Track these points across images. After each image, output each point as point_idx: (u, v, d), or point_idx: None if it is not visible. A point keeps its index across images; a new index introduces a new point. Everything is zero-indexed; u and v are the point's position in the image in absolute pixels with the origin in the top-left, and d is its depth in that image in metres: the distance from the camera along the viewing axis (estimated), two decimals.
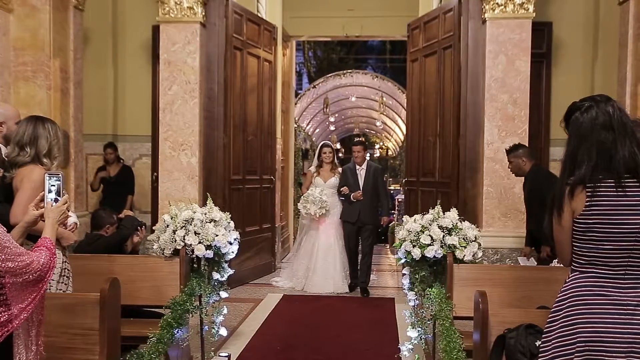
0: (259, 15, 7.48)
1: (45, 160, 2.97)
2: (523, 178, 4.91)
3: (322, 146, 6.94)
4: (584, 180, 1.96)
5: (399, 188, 19.15)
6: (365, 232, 6.50)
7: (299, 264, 6.79)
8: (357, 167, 6.55)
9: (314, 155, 7.33)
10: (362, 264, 6.53)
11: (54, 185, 2.27)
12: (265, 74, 7.17)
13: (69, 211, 2.34)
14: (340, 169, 6.83)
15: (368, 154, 25.67)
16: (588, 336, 1.92)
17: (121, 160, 6.86)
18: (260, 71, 7.02)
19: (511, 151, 4.88)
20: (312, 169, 6.96)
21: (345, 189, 6.44)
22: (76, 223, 3.26)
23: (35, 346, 2.10)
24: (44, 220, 2.26)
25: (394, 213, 16.41)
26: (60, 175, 2.30)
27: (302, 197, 6.73)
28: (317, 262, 6.56)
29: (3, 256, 1.88)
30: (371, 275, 6.76)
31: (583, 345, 1.91)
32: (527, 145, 5.18)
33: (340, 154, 25.29)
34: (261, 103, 7.09)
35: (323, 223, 6.64)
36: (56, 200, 2.26)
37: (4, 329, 1.94)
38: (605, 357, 1.90)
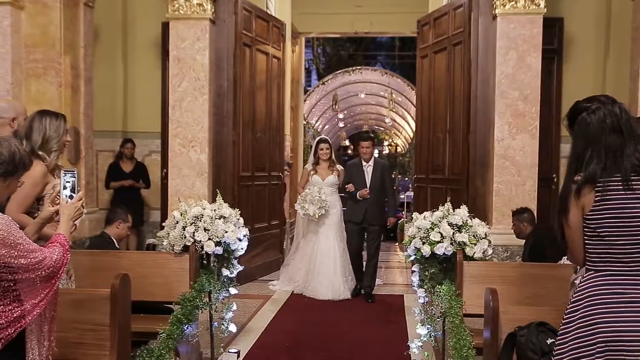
0: (268, 12, 7.47)
1: (40, 153, 2.96)
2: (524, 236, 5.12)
3: (318, 142, 6.48)
4: (593, 179, 1.95)
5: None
6: (371, 233, 6.07)
7: (296, 268, 6.36)
8: (364, 163, 6.13)
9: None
10: (367, 267, 6.10)
11: (68, 182, 2.27)
12: (274, 70, 7.16)
13: (84, 208, 2.35)
14: (338, 167, 6.39)
15: (377, 151, 25.54)
16: (608, 336, 1.90)
17: (134, 157, 6.90)
18: (269, 68, 7.01)
19: (516, 214, 5.12)
20: (309, 166, 6.47)
21: (350, 187, 6.02)
22: (75, 225, 3.26)
23: (47, 342, 2.11)
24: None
25: (401, 210, 16.38)
26: (75, 172, 2.31)
27: (299, 196, 6.21)
28: (315, 266, 6.11)
29: (16, 253, 1.90)
30: (380, 274, 6.56)
31: (604, 346, 1.89)
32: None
33: (349, 151, 25.26)
34: (270, 100, 7.07)
35: (322, 224, 6.18)
36: (71, 197, 2.27)
37: (17, 324, 1.96)
38: (627, 357, 1.87)
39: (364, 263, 6.22)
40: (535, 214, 5.62)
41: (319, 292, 5.98)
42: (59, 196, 2.29)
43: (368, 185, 6.04)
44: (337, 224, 6.21)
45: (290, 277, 6.38)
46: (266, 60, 6.95)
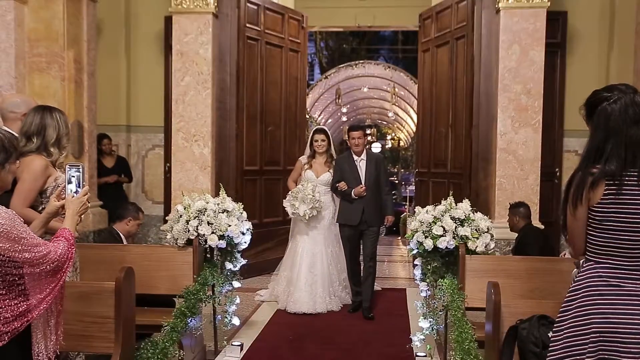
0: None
1: (52, 149, 2.96)
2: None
3: (314, 132, 5.66)
4: (614, 175, 1.91)
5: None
6: (369, 235, 5.26)
7: (280, 276, 5.64)
8: (356, 157, 5.33)
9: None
10: (365, 277, 5.31)
11: (74, 176, 2.27)
12: (292, 64, 7.05)
13: (89, 202, 2.36)
14: None
15: (379, 145, 25.30)
16: (602, 328, 1.90)
17: (113, 152, 6.82)
18: (283, 61, 6.93)
19: (512, 207, 5.17)
20: (303, 159, 5.72)
21: (342, 185, 5.21)
22: (80, 218, 3.27)
23: (54, 335, 2.12)
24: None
25: (404, 204, 16.39)
26: (80, 167, 2.30)
27: (289, 193, 5.49)
28: (299, 275, 5.37)
29: (20, 247, 1.91)
30: (382, 268, 6.46)
31: (597, 336, 1.90)
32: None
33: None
34: (286, 93, 6.98)
35: (313, 227, 5.48)
36: (77, 192, 2.27)
37: (24, 319, 1.97)
38: (620, 349, 1.88)
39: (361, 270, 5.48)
40: (538, 209, 5.64)
41: (302, 304, 5.25)
42: (64, 191, 2.30)
43: (363, 182, 5.24)
44: (328, 228, 5.53)
45: (275, 285, 5.68)
46: (280, 54, 6.87)
